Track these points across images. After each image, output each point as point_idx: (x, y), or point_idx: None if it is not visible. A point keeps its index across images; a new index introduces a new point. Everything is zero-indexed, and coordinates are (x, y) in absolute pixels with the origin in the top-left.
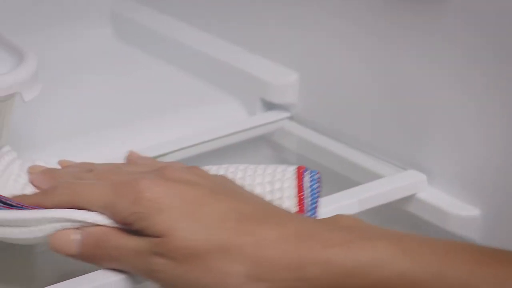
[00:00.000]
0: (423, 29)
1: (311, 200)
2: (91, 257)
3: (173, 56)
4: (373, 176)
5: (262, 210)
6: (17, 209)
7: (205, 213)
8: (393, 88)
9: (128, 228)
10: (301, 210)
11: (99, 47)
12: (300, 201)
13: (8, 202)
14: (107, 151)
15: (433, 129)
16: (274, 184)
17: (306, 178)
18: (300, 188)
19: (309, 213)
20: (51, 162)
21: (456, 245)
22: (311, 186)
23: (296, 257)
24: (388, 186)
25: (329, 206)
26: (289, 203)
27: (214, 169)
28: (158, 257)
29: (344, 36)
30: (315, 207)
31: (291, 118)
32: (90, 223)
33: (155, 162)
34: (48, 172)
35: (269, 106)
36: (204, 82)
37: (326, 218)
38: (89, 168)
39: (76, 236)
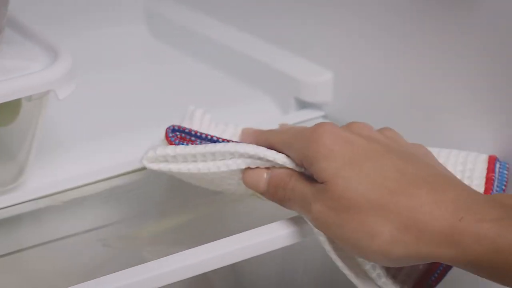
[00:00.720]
0: (458, 28)
1: (498, 185)
2: (274, 196)
3: (207, 54)
4: None
5: (428, 174)
6: (212, 142)
7: (370, 168)
8: (425, 88)
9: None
10: (487, 190)
11: (133, 44)
12: (488, 182)
13: (207, 136)
14: (140, 151)
15: (467, 128)
16: (466, 165)
17: (497, 165)
18: (490, 171)
19: None
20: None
21: None
22: (500, 172)
23: (447, 225)
24: None
25: None
26: (478, 182)
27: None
28: (318, 203)
29: (379, 36)
30: (502, 191)
31: (324, 117)
32: (278, 164)
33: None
34: (258, 130)
35: (303, 105)
36: (238, 81)
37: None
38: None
39: (266, 175)
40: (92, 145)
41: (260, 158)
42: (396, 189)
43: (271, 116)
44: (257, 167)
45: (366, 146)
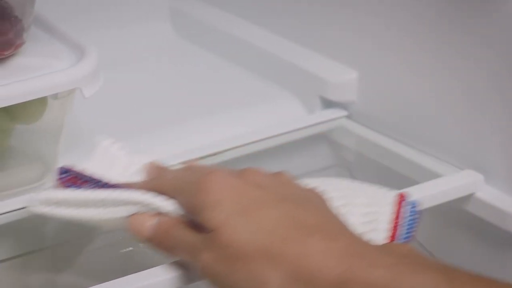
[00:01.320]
0: (484, 28)
1: (406, 231)
2: (160, 244)
3: (231, 53)
4: (430, 175)
5: (321, 221)
6: (107, 188)
7: (260, 216)
8: (451, 87)
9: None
10: (392, 237)
11: (158, 42)
12: (394, 228)
13: (98, 180)
14: (165, 149)
15: (491, 129)
16: (372, 207)
17: (406, 208)
18: (397, 215)
19: (401, 242)
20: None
21: None
22: (409, 216)
23: (337, 273)
24: (446, 185)
25: None
26: (383, 227)
27: (313, 182)
28: (206, 252)
29: (404, 35)
30: (408, 238)
31: (349, 116)
32: (166, 211)
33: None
34: (159, 167)
35: (328, 104)
36: (263, 80)
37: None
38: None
39: (151, 221)
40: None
41: (147, 205)
42: (287, 237)
43: (296, 115)
44: (143, 213)
45: (257, 194)
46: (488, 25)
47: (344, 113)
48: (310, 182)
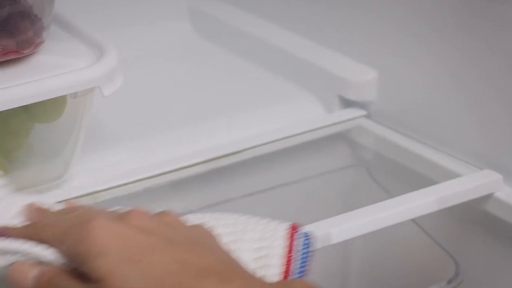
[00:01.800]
0: (502, 28)
1: (300, 264)
2: None
3: (251, 52)
4: (449, 175)
5: (214, 263)
6: None
7: (149, 263)
8: (470, 88)
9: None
10: (286, 272)
11: (177, 41)
12: (288, 263)
13: None
14: (185, 148)
15: (510, 129)
16: (263, 241)
17: (299, 241)
18: (290, 249)
19: (295, 277)
20: (48, 203)
21: None
22: (303, 249)
23: None
24: (465, 185)
25: (407, 205)
26: (275, 262)
27: (200, 218)
28: None
29: (424, 36)
30: (303, 272)
31: (368, 116)
32: (47, 260)
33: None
34: (39, 209)
35: (347, 103)
36: (282, 79)
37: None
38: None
39: (33, 272)
40: (137, 142)
41: (27, 254)
42: (180, 282)
43: (315, 115)
44: (24, 263)
45: (144, 239)
46: (501, 30)
47: (363, 112)
48: (197, 219)
